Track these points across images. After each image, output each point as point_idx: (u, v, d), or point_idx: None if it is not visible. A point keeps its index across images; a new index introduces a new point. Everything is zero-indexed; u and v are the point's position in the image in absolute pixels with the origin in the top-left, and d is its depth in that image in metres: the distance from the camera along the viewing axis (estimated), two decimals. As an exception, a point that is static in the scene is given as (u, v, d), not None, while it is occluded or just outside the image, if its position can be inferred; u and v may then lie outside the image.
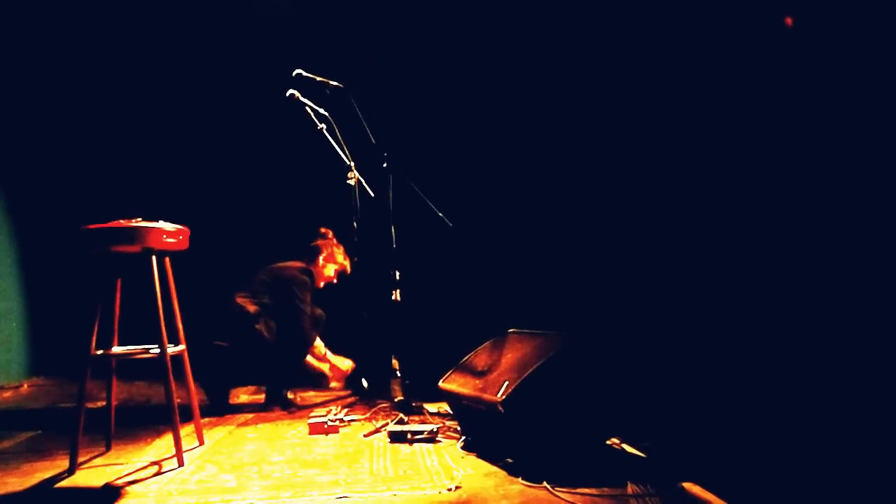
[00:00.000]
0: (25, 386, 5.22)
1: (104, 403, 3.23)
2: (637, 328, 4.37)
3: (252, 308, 4.04)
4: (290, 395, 4.14)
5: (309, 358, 4.31)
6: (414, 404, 3.70)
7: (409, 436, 3.12)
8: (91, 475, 2.77)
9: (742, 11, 4.42)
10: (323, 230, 4.61)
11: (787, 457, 2.64)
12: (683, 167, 4.74)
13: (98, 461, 2.98)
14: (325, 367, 4.43)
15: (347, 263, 4.57)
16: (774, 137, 4.20)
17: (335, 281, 4.58)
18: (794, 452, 2.69)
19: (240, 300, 4.08)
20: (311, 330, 4.25)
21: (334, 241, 4.58)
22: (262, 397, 4.35)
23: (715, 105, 4.53)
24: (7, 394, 4.92)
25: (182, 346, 3.09)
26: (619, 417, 2.88)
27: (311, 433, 3.33)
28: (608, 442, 2.91)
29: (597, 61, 5.27)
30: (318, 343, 4.43)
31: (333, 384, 4.50)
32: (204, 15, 5.84)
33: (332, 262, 4.53)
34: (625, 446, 2.88)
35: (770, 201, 4.20)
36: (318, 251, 4.51)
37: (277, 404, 4.10)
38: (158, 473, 2.76)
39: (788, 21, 4.18)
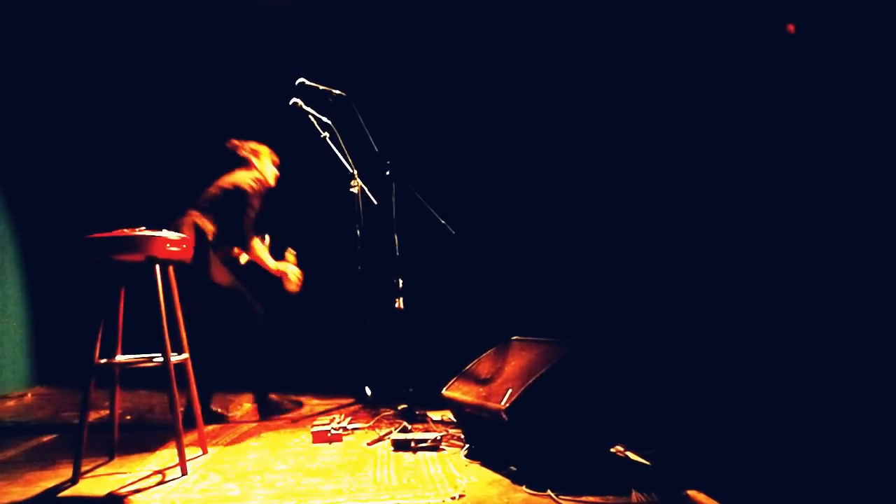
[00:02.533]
0: (29, 395, 5.22)
1: (107, 412, 3.23)
2: (641, 336, 4.36)
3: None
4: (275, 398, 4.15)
5: (266, 259, 4.13)
6: (417, 412, 3.69)
7: (412, 444, 3.12)
8: (94, 484, 2.77)
9: (743, 17, 4.43)
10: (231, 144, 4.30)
11: (793, 465, 2.63)
12: (690, 176, 4.74)
13: (101, 470, 2.97)
14: (284, 268, 4.22)
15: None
16: (778, 145, 4.20)
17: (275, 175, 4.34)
18: (799, 461, 2.68)
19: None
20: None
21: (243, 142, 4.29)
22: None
23: (720, 115, 4.54)
24: (10, 402, 4.92)
25: (185, 355, 3.10)
26: (623, 425, 2.87)
27: (314, 442, 3.32)
28: (612, 449, 2.90)
29: (601, 68, 5.28)
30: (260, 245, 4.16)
31: (293, 287, 4.24)
32: (209, 23, 5.86)
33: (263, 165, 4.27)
34: (629, 454, 2.87)
35: (775, 214, 4.20)
36: (247, 162, 4.23)
37: (270, 412, 4.06)
38: (162, 482, 2.76)
39: (790, 28, 4.19)
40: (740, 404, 3.50)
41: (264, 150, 4.28)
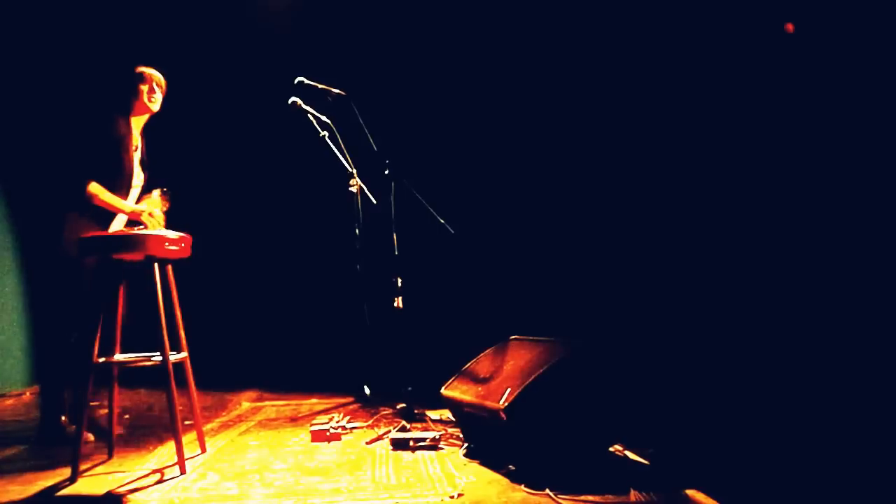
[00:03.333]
0: (27, 394, 5.21)
1: (106, 411, 3.23)
2: (640, 336, 4.36)
3: None
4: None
5: (115, 201, 3.44)
6: (416, 411, 3.69)
7: (411, 443, 3.11)
8: (93, 483, 2.77)
9: (742, 16, 4.43)
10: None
11: (792, 464, 2.63)
12: (688, 176, 4.74)
13: (100, 469, 2.97)
14: (141, 210, 3.42)
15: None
16: (780, 144, 4.20)
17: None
18: (798, 460, 2.68)
19: None
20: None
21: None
22: (263, 404, 4.34)
23: (722, 114, 4.54)
24: (9, 402, 4.92)
25: (184, 354, 3.10)
26: (622, 424, 2.87)
27: (313, 440, 3.32)
28: (611, 449, 2.90)
29: (600, 66, 5.27)
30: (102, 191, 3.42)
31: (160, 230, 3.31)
32: (208, 23, 5.85)
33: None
34: (628, 453, 2.87)
35: (773, 214, 4.20)
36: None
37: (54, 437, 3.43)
38: (160, 481, 2.75)
39: (789, 27, 4.19)
40: (739, 404, 3.50)
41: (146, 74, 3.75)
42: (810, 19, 4.11)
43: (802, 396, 3.44)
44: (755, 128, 4.35)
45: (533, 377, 2.68)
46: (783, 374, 3.71)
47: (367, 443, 3.25)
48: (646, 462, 2.77)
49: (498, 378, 2.92)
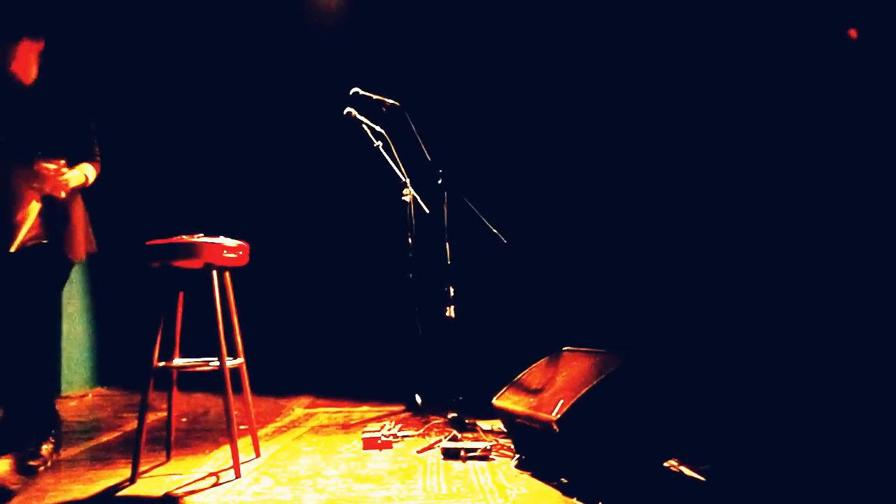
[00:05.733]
0: (90, 396, 5.38)
1: (165, 414, 3.31)
2: (696, 346, 4.27)
3: None
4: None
5: None
6: (467, 421, 3.68)
7: (462, 453, 3.11)
8: (151, 484, 2.84)
9: (804, 21, 4.34)
10: None
11: (861, 487, 2.55)
12: (749, 189, 4.63)
13: (158, 471, 3.04)
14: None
15: None
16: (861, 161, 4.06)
17: None
18: (867, 482, 2.59)
19: None
20: None
21: None
22: (316, 411, 4.38)
23: (789, 127, 4.43)
24: (73, 403, 5.08)
25: (241, 360, 3.15)
26: (677, 439, 2.82)
27: (364, 448, 3.35)
28: (666, 464, 2.85)
29: (661, 80, 5.20)
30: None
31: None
32: (264, 35, 5.98)
33: None
34: (683, 469, 2.82)
35: (848, 228, 4.06)
36: None
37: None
38: (216, 485, 2.81)
39: (853, 34, 4.08)
40: (801, 418, 3.40)
41: None
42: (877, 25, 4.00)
43: (873, 419, 3.32)
44: (829, 143, 4.22)
45: (586, 389, 2.66)
46: (851, 392, 3.59)
47: (418, 451, 3.26)
48: (701, 478, 2.71)
49: (550, 389, 2.90)
